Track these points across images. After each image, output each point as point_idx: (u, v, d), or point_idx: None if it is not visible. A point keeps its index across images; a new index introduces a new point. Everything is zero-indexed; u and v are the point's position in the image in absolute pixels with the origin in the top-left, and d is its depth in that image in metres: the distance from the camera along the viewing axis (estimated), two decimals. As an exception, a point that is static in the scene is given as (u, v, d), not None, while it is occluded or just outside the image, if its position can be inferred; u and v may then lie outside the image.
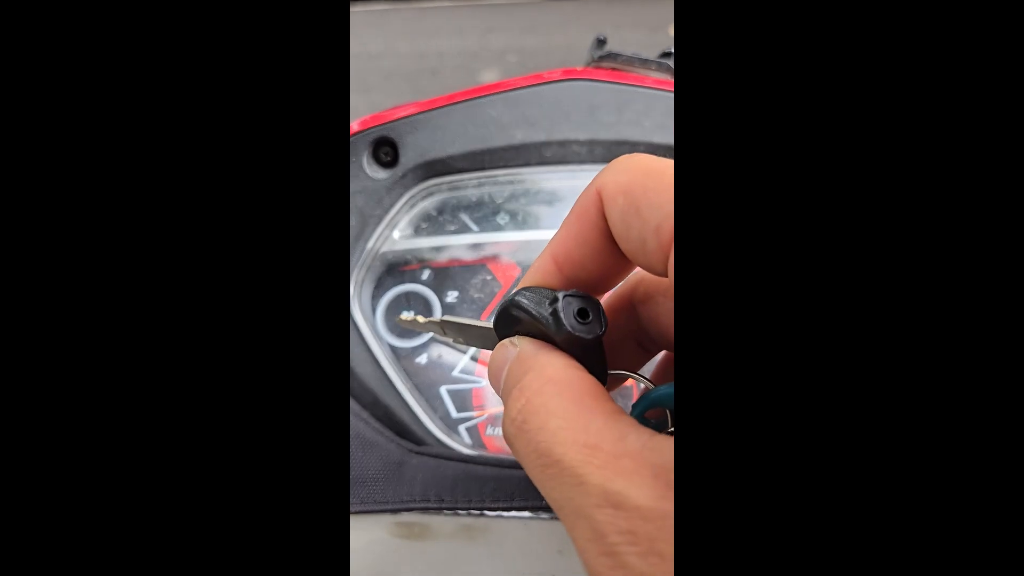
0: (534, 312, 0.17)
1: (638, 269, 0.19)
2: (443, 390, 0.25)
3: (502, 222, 0.25)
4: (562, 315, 0.16)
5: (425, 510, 0.20)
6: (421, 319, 0.20)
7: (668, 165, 0.17)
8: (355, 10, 4.69)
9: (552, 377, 0.16)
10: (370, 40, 3.97)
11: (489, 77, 3.30)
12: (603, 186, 0.18)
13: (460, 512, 0.20)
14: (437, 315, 0.24)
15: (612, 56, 0.29)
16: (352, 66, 3.50)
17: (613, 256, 0.18)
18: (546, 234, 0.26)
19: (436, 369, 0.26)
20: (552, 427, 0.15)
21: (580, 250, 0.18)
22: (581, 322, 0.17)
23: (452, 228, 0.26)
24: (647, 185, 0.17)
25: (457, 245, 0.26)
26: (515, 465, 0.21)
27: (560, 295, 0.17)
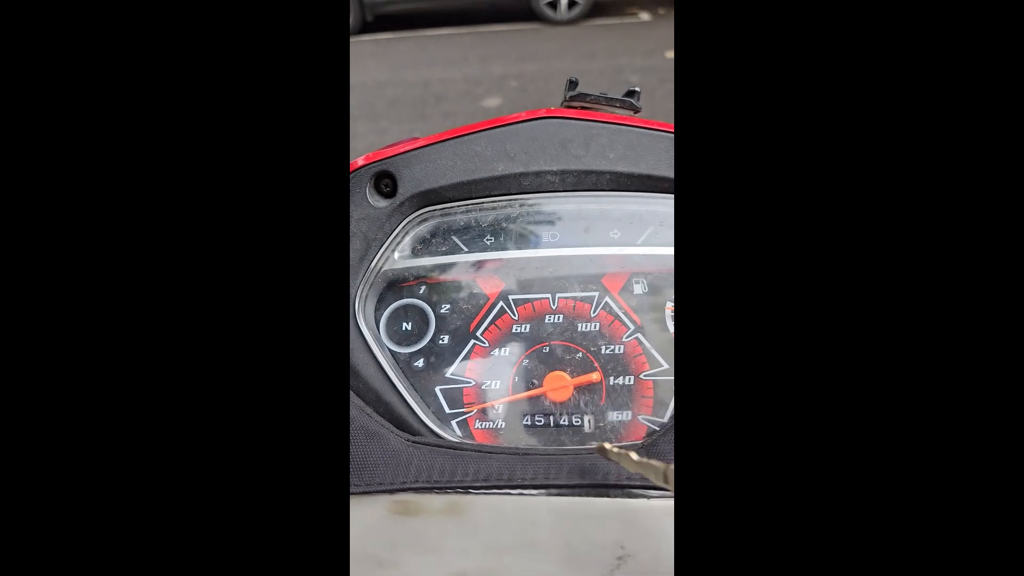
0: None
1: None
2: (437, 389, 0.28)
3: (487, 243, 0.29)
4: None
5: (418, 490, 0.23)
6: (635, 457, 0.20)
7: None
8: (360, 40, 4.81)
9: None
10: (376, 69, 4.07)
11: (491, 102, 3.37)
12: None
13: (448, 491, 0.23)
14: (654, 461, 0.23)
15: (581, 96, 0.31)
16: (359, 94, 3.60)
17: None
18: (527, 253, 0.28)
19: (431, 371, 0.28)
20: None
21: None
22: None
23: (444, 249, 0.29)
24: None
25: (448, 264, 0.29)
26: (495, 452, 0.23)
27: None
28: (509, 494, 0.22)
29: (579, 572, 0.20)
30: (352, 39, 4.54)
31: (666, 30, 4.69)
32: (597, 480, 0.21)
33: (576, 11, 5.06)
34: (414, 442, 0.24)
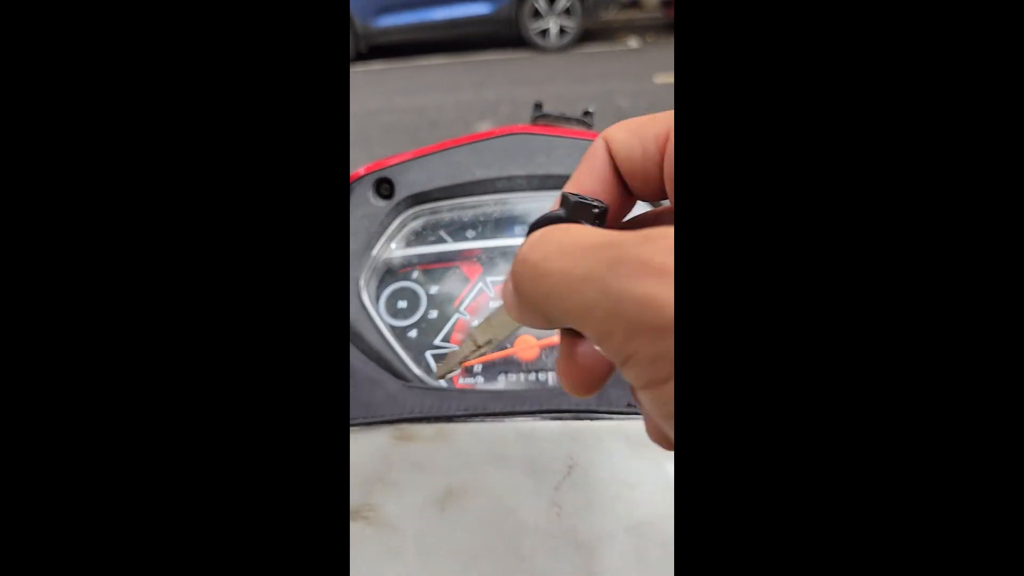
0: (549, 214, 0.20)
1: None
2: (427, 354, 0.33)
3: (468, 235, 0.34)
4: (570, 199, 0.20)
5: (412, 421, 0.27)
6: (454, 359, 0.24)
7: (664, 114, 0.21)
8: (355, 70, 4.93)
9: (568, 227, 0.19)
10: (370, 97, 4.17)
11: (485, 126, 3.45)
12: (608, 131, 0.22)
13: (436, 421, 0.27)
14: (452, 346, 0.30)
15: (545, 116, 0.38)
16: (352, 122, 3.67)
17: (618, 188, 0.22)
18: (501, 242, 0.33)
19: (423, 340, 0.33)
20: (575, 249, 0.18)
21: (590, 183, 0.22)
22: (583, 199, 0.20)
23: (432, 240, 0.35)
24: (644, 120, 0.21)
25: (436, 252, 0.34)
26: (473, 393, 0.28)
27: (569, 196, 0.20)
28: (484, 422, 0.27)
29: (538, 479, 0.25)
30: (347, 69, 4.66)
31: (655, 56, 4.82)
32: (552, 407, 0.27)
33: (566, 39, 5.20)
34: (409, 386, 0.29)
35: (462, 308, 0.32)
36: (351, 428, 0.28)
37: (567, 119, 0.37)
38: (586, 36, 5.38)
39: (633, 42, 5.47)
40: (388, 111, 3.84)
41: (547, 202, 0.34)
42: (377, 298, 0.33)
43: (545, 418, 0.26)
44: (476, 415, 0.27)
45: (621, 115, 3.34)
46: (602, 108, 3.54)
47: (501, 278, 0.33)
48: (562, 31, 5.20)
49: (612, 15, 5.84)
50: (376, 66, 5.18)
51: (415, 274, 0.33)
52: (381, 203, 0.33)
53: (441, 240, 0.34)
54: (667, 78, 4.02)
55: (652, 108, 3.30)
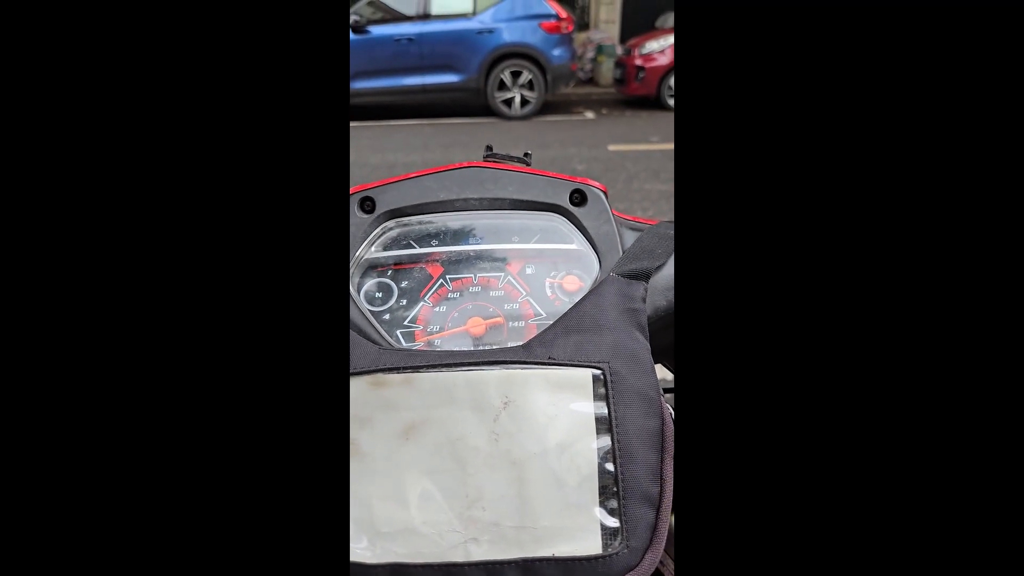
0: None
1: None
2: (398, 332, 0.42)
3: (432, 243, 0.43)
4: None
5: (385, 371, 0.35)
6: None
7: None
8: (329, 127, 5.14)
9: None
10: (343, 153, 4.37)
11: (450, 185, 3.68)
12: None
13: (404, 371, 0.35)
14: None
15: (495, 155, 0.48)
16: (326, 175, 3.85)
17: None
18: (457, 248, 0.43)
19: (394, 323, 0.42)
20: None
21: None
22: None
23: (403, 245, 0.44)
24: None
25: (407, 255, 0.43)
26: (432, 352, 0.36)
27: None
28: (440, 371, 0.34)
29: (480, 414, 0.34)
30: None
31: (609, 127, 5.24)
32: (494, 359, 0.35)
33: (528, 108, 5.62)
34: (382, 349, 0.37)
35: (426, 298, 0.42)
36: (351, 375, 0.35)
37: (512, 157, 0.48)
38: (547, 107, 5.81)
39: (590, 114, 5.94)
40: (360, 165, 4.05)
41: (495, 220, 0.44)
42: (359, 289, 0.42)
43: (486, 368, 0.34)
44: (433, 366, 0.34)
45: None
46: (560, 170, 3.83)
47: (457, 275, 0.42)
48: (524, 101, 5.61)
49: (570, 89, 6.34)
50: (351, 124, 5.40)
51: (389, 272, 0.43)
52: (364, 216, 0.43)
53: (410, 246, 0.43)
54: (620, 147, 4.39)
55: (606, 173, 3.61)
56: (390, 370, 0.34)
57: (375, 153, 4.38)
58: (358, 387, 0.34)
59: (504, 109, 5.61)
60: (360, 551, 0.32)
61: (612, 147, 4.41)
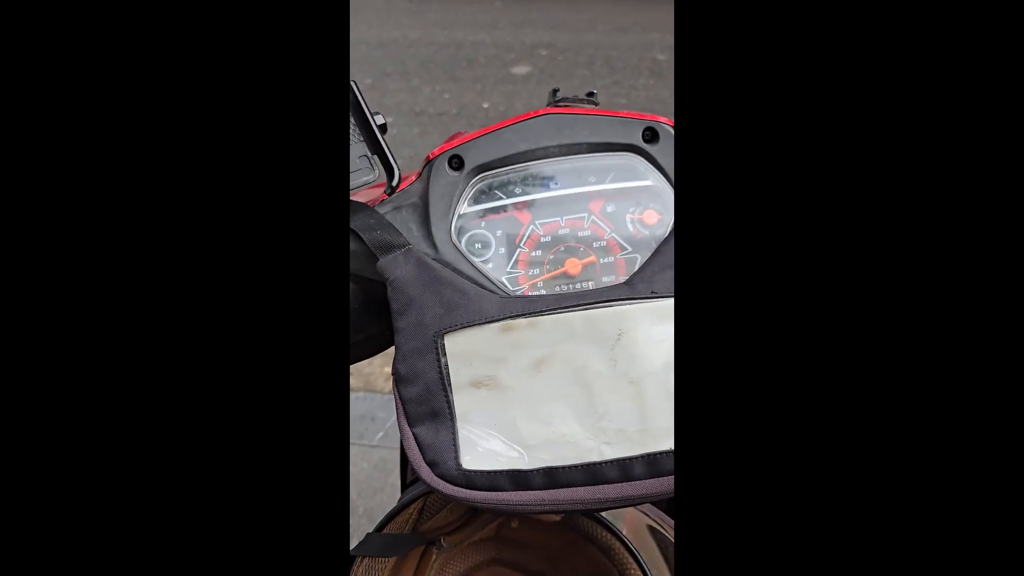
0: None
1: None
2: (503, 278, 0.45)
3: (517, 192, 0.46)
4: None
5: (512, 318, 0.40)
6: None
7: None
8: (395, -2, 4.88)
9: None
10: (410, 26, 4.17)
11: (520, 69, 3.48)
12: None
13: (528, 316, 0.40)
14: None
15: (565, 99, 0.49)
16: (391, 52, 3.71)
17: None
18: (542, 194, 0.45)
19: (498, 270, 0.45)
20: None
21: None
22: None
23: (492, 197, 0.46)
24: None
25: (495, 207, 0.46)
26: (549, 296, 0.41)
27: None
28: (559, 313, 0.39)
29: (599, 344, 0.38)
30: (387, -4, 4.59)
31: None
32: (605, 298, 0.40)
33: (609, -15, 5.11)
34: (504, 297, 0.42)
35: (521, 244, 0.45)
36: (483, 324, 0.40)
37: (579, 100, 0.49)
38: (630, -17, 5.26)
39: (678, -6, 5.35)
40: (426, 43, 3.86)
41: (573, 163, 0.46)
42: (462, 243, 0.45)
43: (599, 306, 0.39)
44: (552, 309, 0.39)
45: (657, 69, 3.36)
46: (639, 60, 3.54)
47: (546, 220, 0.45)
48: (606, -24, 5.09)
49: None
50: (415, -5, 5.11)
51: (483, 224, 0.45)
52: (454, 174, 0.45)
53: (498, 197, 0.46)
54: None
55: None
56: (516, 316, 0.40)
57: (442, 29, 4.15)
58: (490, 332, 0.40)
59: (582, -16, 5.12)
60: (515, 460, 0.39)
61: (699, 35, 4.00)
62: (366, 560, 0.53)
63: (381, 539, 0.54)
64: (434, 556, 0.54)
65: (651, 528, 0.61)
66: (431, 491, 0.53)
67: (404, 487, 0.69)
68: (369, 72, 3.52)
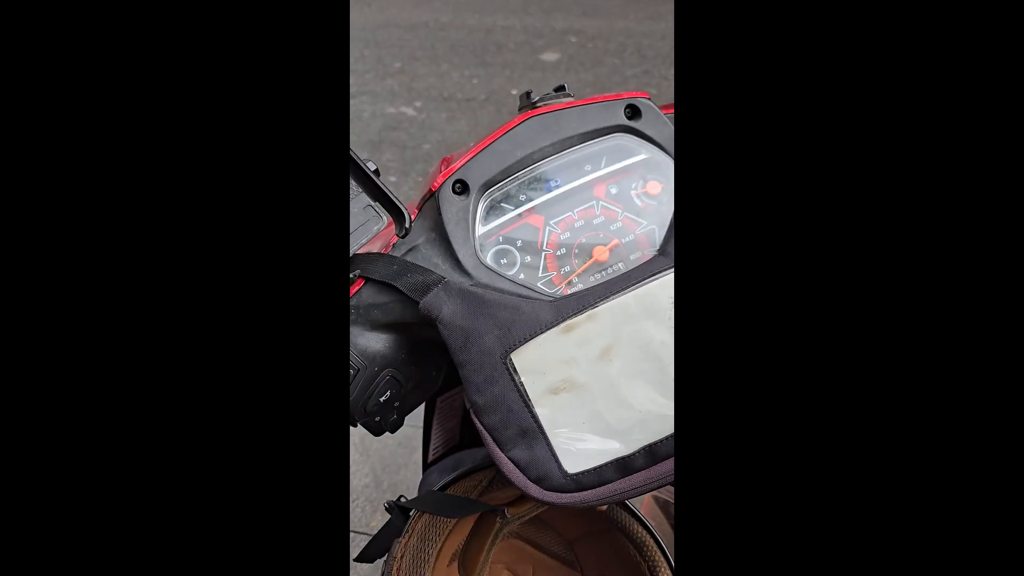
0: None
1: None
2: (538, 284, 0.47)
3: (523, 199, 0.47)
4: None
5: (568, 318, 0.42)
6: None
7: None
8: (426, -20, 4.86)
9: None
10: (440, 11, 4.17)
11: (550, 56, 3.48)
12: None
13: (582, 312, 0.42)
14: None
15: (541, 98, 0.50)
16: (421, 35, 3.72)
17: None
18: (547, 196, 0.47)
19: (530, 276, 0.47)
20: None
21: None
22: None
23: (501, 210, 0.48)
24: None
25: (508, 219, 0.48)
26: (592, 289, 0.43)
27: None
28: (612, 299, 0.42)
29: (656, 317, 0.40)
30: (419, -22, 4.59)
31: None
32: (648, 273, 0.42)
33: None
34: (554, 301, 0.44)
35: (543, 247, 0.47)
36: (544, 332, 0.42)
37: (553, 96, 0.50)
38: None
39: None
40: (456, 27, 3.87)
41: (568, 156, 0.48)
42: (488, 261, 0.47)
43: (645, 283, 0.42)
44: (604, 297, 0.42)
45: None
46: (671, 49, 3.51)
47: (559, 217, 0.47)
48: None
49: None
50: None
51: (501, 238, 0.47)
52: (462, 198, 0.46)
53: (507, 209, 0.47)
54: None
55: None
56: (573, 315, 0.41)
57: (472, 12, 4.15)
58: (553, 338, 0.41)
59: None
60: (614, 450, 0.40)
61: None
62: (425, 516, 0.56)
63: (445, 499, 0.57)
64: (497, 524, 0.57)
65: (662, 503, 0.64)
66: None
67: (426, 465, 0.73)
68: (398, 56, 3.54)
